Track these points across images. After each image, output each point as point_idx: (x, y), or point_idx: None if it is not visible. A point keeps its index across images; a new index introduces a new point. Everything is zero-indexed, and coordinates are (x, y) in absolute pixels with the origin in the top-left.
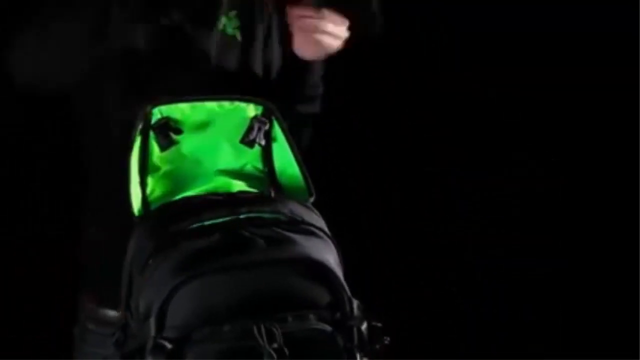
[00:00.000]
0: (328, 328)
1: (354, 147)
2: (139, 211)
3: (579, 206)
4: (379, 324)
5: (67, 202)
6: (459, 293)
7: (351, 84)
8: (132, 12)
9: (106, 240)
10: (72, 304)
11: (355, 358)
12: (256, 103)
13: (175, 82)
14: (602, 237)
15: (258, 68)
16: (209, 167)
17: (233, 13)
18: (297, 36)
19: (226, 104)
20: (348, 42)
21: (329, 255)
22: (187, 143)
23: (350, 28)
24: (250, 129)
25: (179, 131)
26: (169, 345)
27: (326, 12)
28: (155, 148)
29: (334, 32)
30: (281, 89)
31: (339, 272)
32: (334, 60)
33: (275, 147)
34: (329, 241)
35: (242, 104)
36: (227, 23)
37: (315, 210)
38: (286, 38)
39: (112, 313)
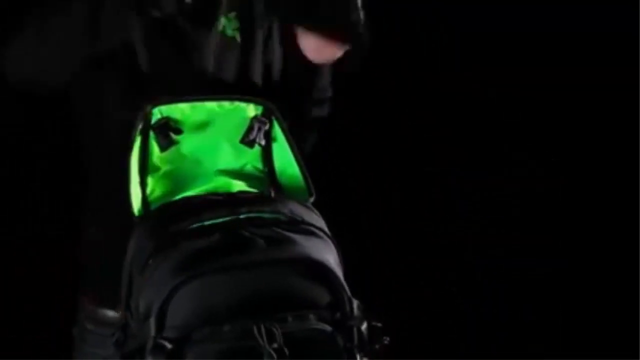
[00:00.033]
0: (328, 328)
1: (354, 147)
2: (139, 211)
3: (579, 206)
4: (379, 324)
5: (67, 202)
6: (459, 293)
7: (351, 84)
8: (122, 4)
9: (106, 240)
10: (72, 304)
11: (355, 358)
12: (256, 103)
13: (175, 82)
14: (602, 237)
15: (258, 69)
16: (209, 167)
17: (232, 14)
18: (307, 40)
19: (226, 104)
20: (339, 62)
21: (329, 255)
22: (187, 143)
23: (334, 44)
24: (250, 129)
25: (179, 131)
26: (169, 345)
27: None
28: (155, 148)
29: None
30: (289, 92)
31: (339, 272)
32: (341, 63)
33: (275, 147)
34: (329, 241)
35: (242, 104)
36: (227, 24)
37: (315, 210)
38: (290, 41)
39: (111, 313)
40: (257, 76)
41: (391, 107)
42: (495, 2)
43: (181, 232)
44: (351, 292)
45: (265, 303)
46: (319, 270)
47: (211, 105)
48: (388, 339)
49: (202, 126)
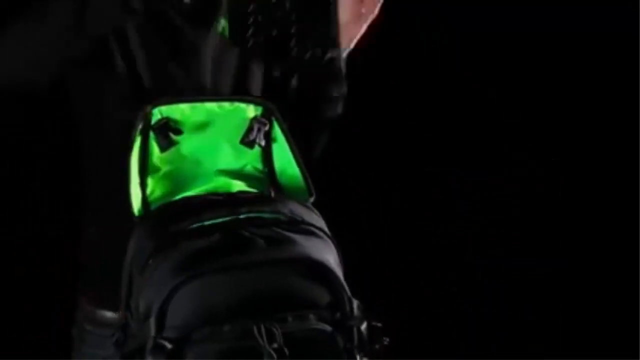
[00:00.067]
0: (328, 328)
1: (354, 147)
2: (139, 211)
3: (579, 206)
4: (379, 324)
5: (67, 202)
6: (459, 293)
7: (351, 84)
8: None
9: (106, 241)
10: (72, 304)
11: (355, 358)
12: (256, 104)
13: (175, 82)
14: (602, 237)
15: (257, 71)
16: (209, 167)
17: None
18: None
19: (226, 105)
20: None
21: (329, 255)
22: (187, 143)
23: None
24: (250, 129)
25: (178, 131)
26: (169, 345)
27: None
28: (155, 148)
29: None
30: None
31: (339, 272)
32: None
33: (275, 147)
34: (329, 241)
35: (242, 105)
36: (226, 25)
37: (315, 210)
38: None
39: (110, 314)
40: (257, 77)
41: (391, 107)
42: (495, 2)
43: (181, 232)
44: (351, 292)
45: (265, 303)
46: (319, 270)
47: (211, 105)
48: (388, 339)
49: (202, 126)
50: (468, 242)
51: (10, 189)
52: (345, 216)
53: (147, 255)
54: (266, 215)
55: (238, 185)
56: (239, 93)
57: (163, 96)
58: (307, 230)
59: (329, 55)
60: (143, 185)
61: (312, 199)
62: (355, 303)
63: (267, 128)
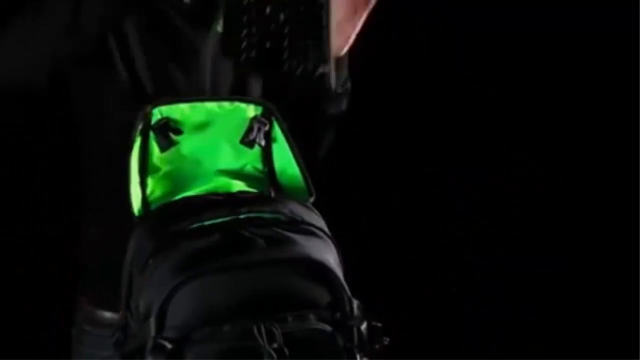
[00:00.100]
0: (328, 328)
1: (354, 147)
2: (139, 211)
3: (579, 206)
4: (379, 324)
5: (67, 202)
6: (459, 293)
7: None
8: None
9: (106, 241)
10: (72, 304)
11: (355, 358)
12: (256, 103)
13: (174, 83)
14: (602, 237)
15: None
16: (209, 167)
17: None
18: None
19: (226, 105)
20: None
21: (329, 255)
22: (187, 143)
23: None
24: (250, 129)
25: (178, 131)
26: (169, 345)
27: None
28: (155, 148)
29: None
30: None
31: (339, 272)
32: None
33: (275, 147)
34: (329, 241)
35: (242, 105)
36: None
37: (315, 210)
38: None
39: (109, 315)
40: (256, 78)
41: (391, 107)
42: (495, 2)
43: (181, 232)
44: (351, 292)
45: (265, 303)
46: (319, 270)
47: (211, 105)
48: (388, 339)
49: (202, 126)
50: (468, 242)
51: (10, 189)
52: (345, 216)
53: (147, 255)
54: (266, 215)
55: (238, 185)
56: (238, 93)
57: (162, 97)
58: (307, 230)
59: (320, 70)
60: (143, 185)
61: (312, 199)
62: (355, 303)
63: (267, 128)
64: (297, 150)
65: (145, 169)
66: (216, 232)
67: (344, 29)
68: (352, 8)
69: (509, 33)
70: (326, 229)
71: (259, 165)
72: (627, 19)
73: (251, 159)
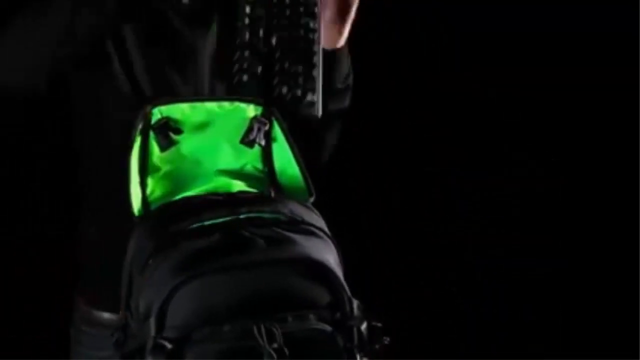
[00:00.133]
0: (328, 328)
1: (354, 147)
2: (139, 211)
3: (579, 206)
4: (379, 324)
5: (67, 202)
6: (459, 293)
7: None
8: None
9: (106, 241)
10: (72, 304)
11: (355, 358)
12: (256, 103)
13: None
14: (602, 237)
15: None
16: (209, 167)
17: None
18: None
19: (226, 105)
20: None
21: (329, 255)
22: (187, 143)
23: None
24: (250, 129)
25: (178, 131)
26: (169, 345)
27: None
28: (155, 148)
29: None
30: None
31: (339, 272)
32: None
33: (275, 147)
34: (329, 241)
35: (242, 105)
36: None
37: (315, 210)
38: None
39: (107, 315)
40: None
41: (391, 107)
42: (495, 2)
43: (181, 232)
44: (351, 292)
45: (265, 303)
46: (319, 270)
47: (211, 105)
48: (388, 339)
49: (202, 126)
50: (468, 242)
51: (10, 189)
52: (345, 216)
53: (147, 255)
54: (266, 215)
55: (238, 185)
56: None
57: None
58: (307, 230)
59: (308, 99)
60: (143, 185)
61: (312, 199)
62: (355, 303)
63: (267, 128)
64: (297, 150)
65: (145, 169)
66: (216, 232)
67: (334, 28)
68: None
69: (509, 33)
70: (326, 229)
71: (259, 165)
72: (627, 19)
73: (251, 158)
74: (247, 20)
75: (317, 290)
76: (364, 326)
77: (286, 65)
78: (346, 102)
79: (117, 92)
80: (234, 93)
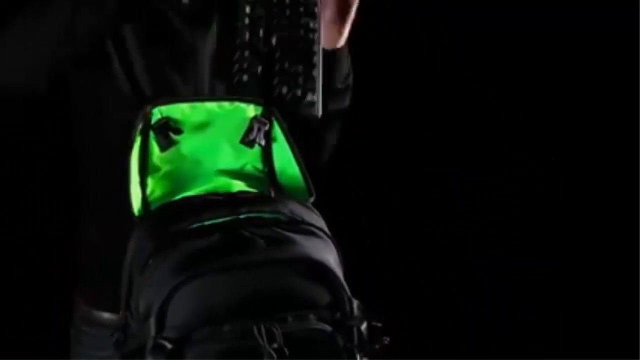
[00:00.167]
0: (328, 328)
1: (354, 147)
2: (139, 211)
3: (579, 206)
4: (379, 324)
5: (67, 202)
6: (459, 293)
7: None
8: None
9: (106, 241)
10: (72, 304)
11: (355, 358)
12: (256, 103)
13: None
14: (602, 237)
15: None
16: (209, 167)
17: None
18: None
19: (226, 105)
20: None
21: (329, 255)
22: (187, 143)
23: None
24: (250, 129)
25: (178, 131)
26: (169, 345)
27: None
28: (155, 148)
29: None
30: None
31: (339, 272)
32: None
33: (275, 147)
34: (329, 241)
35: (242, 105)
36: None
37: (315, 210)
38: None
39: (107, 315)
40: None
41: (391, 107)
42: (495, 2)
43: (181, 232)
44: (351, 292)
45: (265, 303)
46: (319, 270)
47: (211, 105)
48: (388, 339)
49: (202, 126)
50: (468, 242)
51: (10, 189)
52: (345, 216)
53: (147, 255)
54: (266, 215)
55: (238, 185)
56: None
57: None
58: (307, 230)
59: (308, 99)
60: (143, 185)
61: (312, 199)
62: (355, 303)
63: (267, 128)
64: (297, 150)
65: (145, 169)
66: (216, 232)
67: (334, 28)
68: (342, 6)
69: (509, 33)
70: (326, 229)
71: (259, 165)
72: (627, 19)
73: (251, 158)
74: (247, 20)
75: (317, 290)
76: (364, 326)
77: (286, 65)
78: (346, 102)
79: (117, 92)
80: (234, 93)
